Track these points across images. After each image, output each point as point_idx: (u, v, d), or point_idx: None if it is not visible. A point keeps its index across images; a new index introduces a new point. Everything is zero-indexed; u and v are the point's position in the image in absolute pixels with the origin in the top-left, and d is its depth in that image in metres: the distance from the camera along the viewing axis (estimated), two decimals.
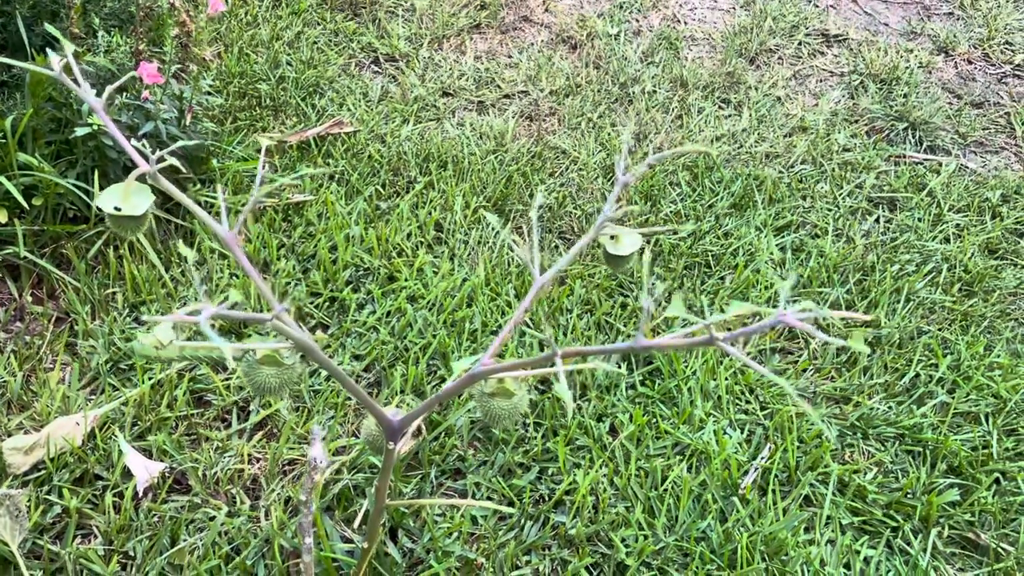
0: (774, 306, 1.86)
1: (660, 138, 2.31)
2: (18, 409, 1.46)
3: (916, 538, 1.45)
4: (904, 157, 2.37)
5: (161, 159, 0.95)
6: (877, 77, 2.65)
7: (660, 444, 1.52)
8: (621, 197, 2.02)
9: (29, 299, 1.65)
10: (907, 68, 2.68)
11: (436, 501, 1.11)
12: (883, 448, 1.60)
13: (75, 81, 0.95)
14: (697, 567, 1.35)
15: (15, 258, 1.65)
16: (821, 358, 1.76)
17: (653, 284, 1.77)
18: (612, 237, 1.14)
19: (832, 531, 1.44)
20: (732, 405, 1.62)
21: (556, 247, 1.96)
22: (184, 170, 1.76)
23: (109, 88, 0.96)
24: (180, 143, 1.18)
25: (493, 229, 1.96)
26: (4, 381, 1.48)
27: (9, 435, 1.41)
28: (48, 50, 0.97)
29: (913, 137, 2.44)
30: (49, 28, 0.93)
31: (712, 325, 0.84)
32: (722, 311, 1.80)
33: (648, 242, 1.96)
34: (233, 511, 1.36)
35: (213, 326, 1.42)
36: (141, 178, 0.98)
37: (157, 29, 1.85)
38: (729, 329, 0.88)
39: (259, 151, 2.06)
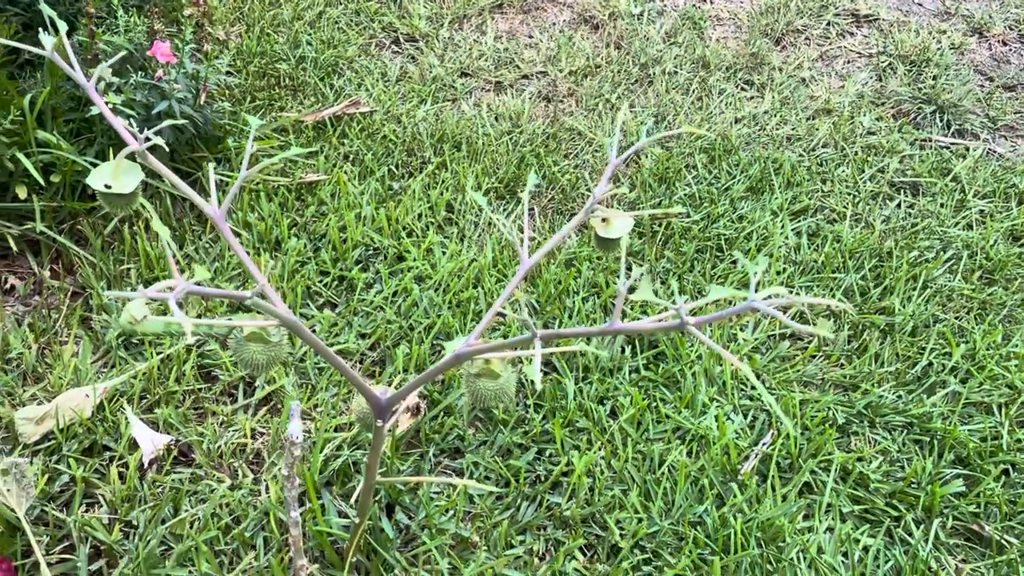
0: (795, 292, 1.84)
1: (679, 120, 2.29)
2: (32, 380, 1.51)
3: (918, 528, 1.43)
4: (930, 141, 2.32)
5: (148, 139, 0.97)
6: (907, 59, 2.59)
7: (660, 428, 1.52)
8: (625, 184, 2.01)
9: (47, 273, 1.69)
10: (938, 49, 2.62)
11: (428, 479, 1.12)
12: (889, 437, 1.57)
13: (69, 62, 0.97)
14: (690, 551, 1.35)
15: (34, 233, 1.70)
16: (832, 345, 1.74)
17: (629, 267, 1.76)
18: (603, 220, 1.14)
19: (832, 519, 1.43)
20: (737, 391, 1.61)
21: None
22: (201, 149, 1.79)
23: (100, 66, 0.97)
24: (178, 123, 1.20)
25: (504, 210, 1.96)
26: (20, 353, 1.52)
27: (23, 405, 1.46)
28: (60, 29, 0.99)
29: (941, 120, 2.38)
30: (45, 8, 0.95)
31: (683, 309, 0.84)
32: (726, 302, 1.79)
33: (659, 226, 1.95)
34: (235, 484, 1.39)
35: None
36: (132, 157, 1.00)
37: (174, 9, 1.87)
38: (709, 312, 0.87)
39: (276, 131, 2.08)
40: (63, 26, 0.94)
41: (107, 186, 0.96)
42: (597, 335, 0.91)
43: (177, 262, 1.72)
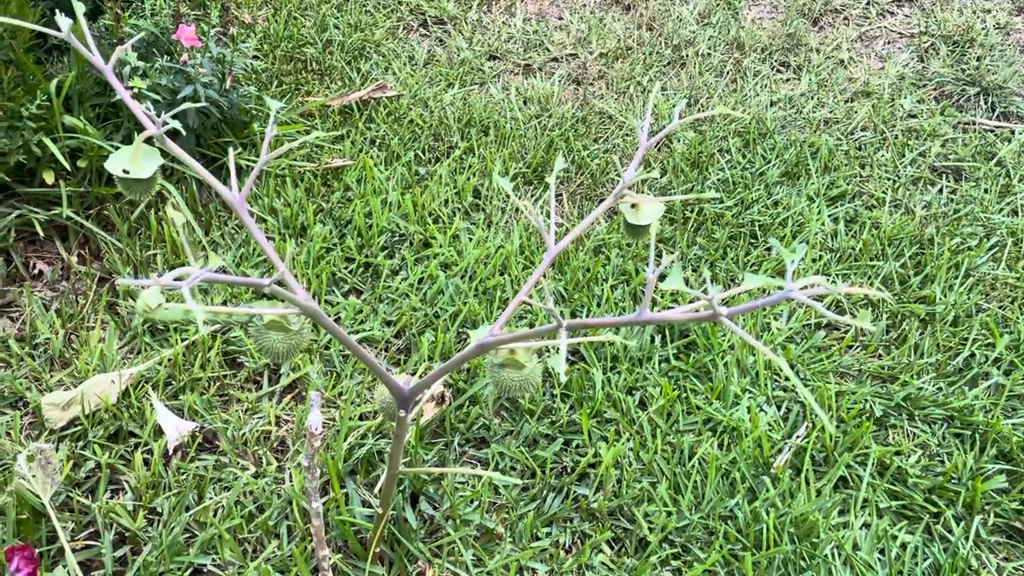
0: (832, 281, 1.78)
1: (712, 102, 2.23)
2: (60, 366, 1.51)
3: (958, 525, 1.38)
4: (974, 124, 2.24)
5: (166, 122, 0.95)
6: (949, 39, 2.51)
7: (691, 419, 1.49)
8: (656, 168, 1.97)
9: (75, 259, 1.69)
10: (983, 29, 2.53)
11: (451, 470, 1.10)
12: (929, 430, 1.52)
13: (86, 46, 0.95)
14: (721, 545, 1.31)
15: (61, 219, 1.70)
16: (869, 335, 1.68)
17: (659, 255, 1.72)
18: (633, 206, 1.10)
19: (868, 514, 1.39)
20: (770, 381, 1.57)
21: None
22: (227, 134, 1.78)
23: (118, 50, 0.95)
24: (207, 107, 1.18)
25: (532, 195, 1.93)
26: (47, 339, 1.53)
27: (50, 390, 1.46)
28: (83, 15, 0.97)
29: (985, 103, 2.30)
30: None
31: (716, 299, 0.80)
32: (760, 291, 1.74)
33: (692, 212, 1.90)
34: (259, 472, 1.38)
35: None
36: (151, 142, 0.98)
37: None
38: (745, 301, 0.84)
39: (303, 115, 2.06)
40: (80, 7, 0.92)
41: (125, 171, 0.95)
42: (625, 325, 0.88)
43: (203, 248, 1.71)
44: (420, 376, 1.53)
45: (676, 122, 1.02)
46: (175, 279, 0.77)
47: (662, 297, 1.69)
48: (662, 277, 1.78)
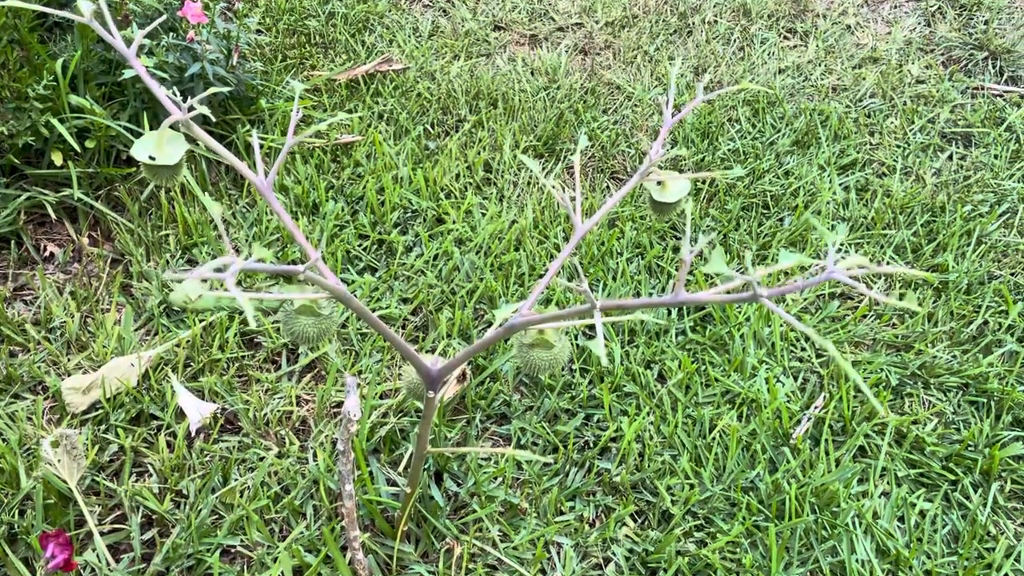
0: (840, 254, 1.79)
1: (720, 71, 2.22)
2: (77, 349, 1.50)
3: (976, 492, 1.40)
4: (982, 89, 2.23)
5: (192, 107, 0.93)
6: (956, 2, 2.49)
7: (709, 392, 1.49)
8: (667, 140, 1.96)
9: (86, 241, 1.68)
10: None
11: (476, 449, 1.11)
12: (945, 398, 1.54)
13: (107, 29, 0.93)
14: (744, 517, 1.33)
15: (72, 200, 1.68)
16: (883, 304, 1.69)
17: (694, 235, 1.72)
18: (658, 183, 1.10)
19: (887, 483, 1.40)
20: (787, 352, 1.57)
21: (607, 188, 1.91)
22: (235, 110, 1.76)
23: (140, 33, 0.94)
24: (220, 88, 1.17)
25: (544, 169, 1.92)
26: (63, 322, 1.52)
27: (69, 374, 1.46)
28: None
29: (993, 68, 2.29)
30: None
31: (756, 280, 0.80)
32: (774, 262, 1.73)
33: (703, 183, 1.89)
34: (282, 452, 1.38)
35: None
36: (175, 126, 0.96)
37: None
38: (778, 280, 0.84)
39: (309, 90, 2.04)
40: None
41: (151, 157, 0.94)
42: (661, 306, 0.88)
43: (214, 228, 1.70)
44: (440, 354, 1.53)
45: (700, 97, 1.01)
46: (216, 270, 0.77)
47: (690, 275, 1.69)
48: (674, 249, 1.77)
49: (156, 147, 0.95)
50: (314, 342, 1.00)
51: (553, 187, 1.02)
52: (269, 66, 2.05)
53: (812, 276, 0.76)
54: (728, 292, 0.90)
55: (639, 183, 1.06)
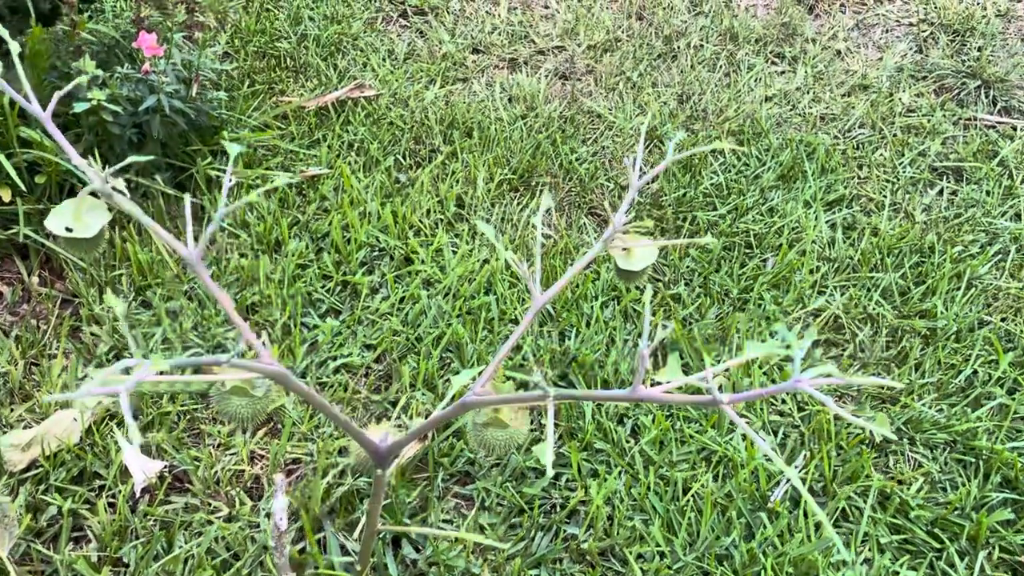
0: (824, 297, 1.72)
1: (705, 99, 2.15)
2: (20, 399, 1.43)
3: (962, 560, 1.33)
4: (975, 120, 2.17)
5: (115, 175, 0.86)
6: (949, 27, 2.42)
7: (684, 450, 1.42)
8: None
9: (35, 280, 1.60)
10: (983, 17, 2.44)
11: (431, 531, 1.04)
12: (931, 456, 1.47)
13: (24, 96, 0.86)
14: None
15: (20, 238, 1.60)
16: (868, 351, 1.62)
17: (672, 278, 1.65)
18: (624, 249, 1.03)
19: (869, 550, 1.34)
20: (767, 405, 1.50)
21: (583, 226, 1.83)
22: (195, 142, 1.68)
23: (57, 94, 0.86)
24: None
25: (518, 204, 1.85)
26: (5, 371, 1.44)
27: (9, 427, 1.38)
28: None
29: (986, 97, 2.22)
30: None
31: (714, 388, 0.74)
32: (756, 307, 1.66)
33: (684, 220, 1.82)
34: (232, 515, 1.31)
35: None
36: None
37: None
38: (736, 380, 0.77)
39: (277, 117, 1.97)
40: (15, 47, 0.83)
41: (68, 229, 0.86)
42: (617, 401, 0.81)
43: (178, 277, 1.62)
44: (403, 408, 1.46)
45: (671, 157, 0.94)
46: (123, 371, 0.70)
47: (659, 313, 1.62)
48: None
49: (74, 217, 0.88)
50: (248, 423, 0.93)
51: (513, 259, 0.95)
52: (236, 91, 1.98)
53: (777, 388, 0.69)
54: (689, 393, 0.82)
55: (603, 251, 0.99)
